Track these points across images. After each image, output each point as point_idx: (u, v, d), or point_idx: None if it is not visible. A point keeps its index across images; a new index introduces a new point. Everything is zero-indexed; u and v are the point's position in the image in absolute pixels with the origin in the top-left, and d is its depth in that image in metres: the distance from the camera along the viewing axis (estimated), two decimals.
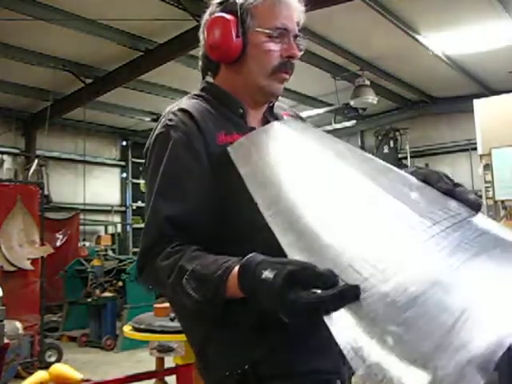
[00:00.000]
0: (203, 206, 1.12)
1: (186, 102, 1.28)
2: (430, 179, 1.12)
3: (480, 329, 0.69)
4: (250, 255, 0.93)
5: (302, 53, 1.29)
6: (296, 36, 1.26)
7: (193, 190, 1.13)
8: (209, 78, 1.38)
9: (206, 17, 1.31)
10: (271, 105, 1.35)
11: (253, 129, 1.26)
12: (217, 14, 1.25)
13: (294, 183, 1.02)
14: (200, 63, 1.36)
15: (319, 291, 0.78)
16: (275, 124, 1.22)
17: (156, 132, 1.22)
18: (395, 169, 1.17)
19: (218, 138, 1.19)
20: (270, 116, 1.34)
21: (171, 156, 1.16)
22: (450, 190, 1.09)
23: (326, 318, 0.75)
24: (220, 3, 1.27)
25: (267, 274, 0.85)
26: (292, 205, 0.96)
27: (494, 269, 0.85)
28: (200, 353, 1.20)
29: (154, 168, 1.17)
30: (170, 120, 1.21)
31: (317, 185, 1.02)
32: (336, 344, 0.94)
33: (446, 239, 0.88)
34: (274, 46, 1.22)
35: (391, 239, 0.87)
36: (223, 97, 1.29)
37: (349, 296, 0.75)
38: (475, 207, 1.06)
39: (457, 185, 1.11)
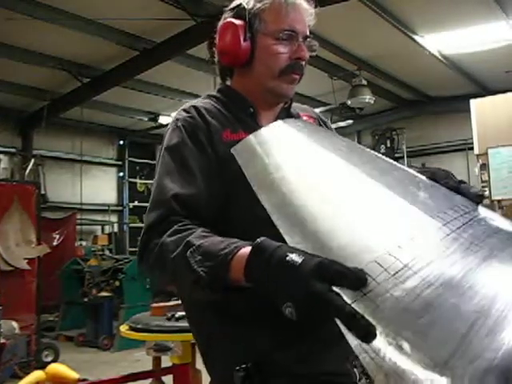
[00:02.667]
0: (209, 193, 1.15)
1: (197, 101, 1.33)
2: (437, 176, 1.14)
3: (495, 336, 0.68)
4: (264, 238, 0.87)
5: (315, 54, 1.32)
6: (306, 37, 1.28)
7: (199, 176, 1.16)
8: (228, 83, 1.41)
9: (220, 23, 1.33)
10: (286, 106, 1.38)
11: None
12: (226, 20, 1.29)
13: (300, 184, 0.99)
14: (217, 68, 1.39)
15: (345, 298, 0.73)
16: (278, 123, 1.21)
17: (168, 127, 1.28)
18: (402, 166, 1.18)
19: (222, 134, 1.23)
20: (285, 117, 1.35)
21: (179, 144, 1.20)
22: (457, 186, 1.11)
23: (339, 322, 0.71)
24: (232, 9, 1.31)
25: (294, 257, 0.79)
26: (299, 207, 0.92)
27: (505, 271, 0.84)
28: (206, 352, 1.23)
29: (163, 154, 1.21)
30: (180, 115, 1.27)
31: (323, 185, 0.99)
32: (342, 345, 0.92)
33: (457, 240, 0.86)
34: (282, 49, 1.24)
35: (402, 240, 0.83)
36: (234, 97, 1.32)
37: (361, 326, 0.69)
38: (477, 199, 1.09)
39: (461, 182, 1.15)
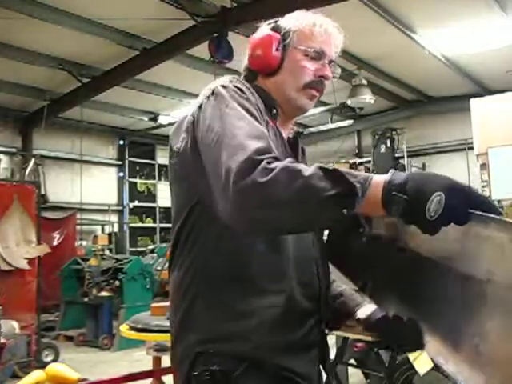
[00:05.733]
0: None
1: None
2: None
3: None
4: None
5: (336, 79, 1.42)
6: (331, 61, 1.39)
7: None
8: None
9: (254, 35, 1.41)
10: (300, 131, 1.48)
11: (280, 132, 1.35)
12: (264, 32, 1.38)
13: None
14: (242, 75, 1.44)
15: None
16: None
17: (216, 85, 1.25)
18: None
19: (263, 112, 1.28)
20: (295, 142, 1.45)
21: (246, 99, 1.21)
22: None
23: (474, 217, 0.93)
24: (269, 23, 1.41)
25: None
26: None
27: None
28: (187, 311, 1.22)
29: (230, 103, 1.18)
30: (233, 80, 1.28)
31: None
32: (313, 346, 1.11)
33: None
34: (309, 65, 1.34)
35: None
36: (262, 94, 1.34)
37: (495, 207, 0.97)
38: None
39: None
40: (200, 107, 1.22)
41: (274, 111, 1.35)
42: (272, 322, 1.17)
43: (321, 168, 1.00)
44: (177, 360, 1.24)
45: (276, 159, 1.03)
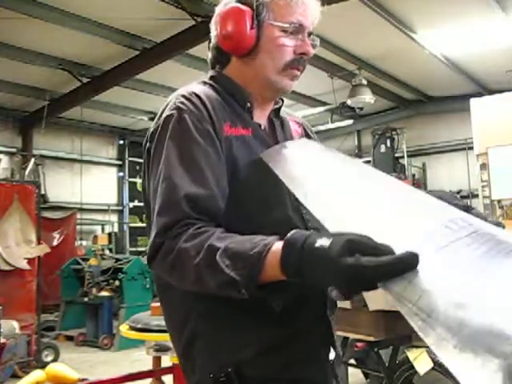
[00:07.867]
0: (220, 192, 1.09)
1: (196, 87, 1.22)
2: (444, 199, 1.07)
3: None
4: (294, 231, 0.89)
5: (316, 51, 1.28)
6: (310, 34, 1.25)
7: (211, 175, 1.09)
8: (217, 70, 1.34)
9: (220, 7, 1.26)
10: (278, 106, 1.34)
11: (258, 125, 1.26)
12: (232, 5, 1.22)
13: (322, 181, 1.09)
14: (210, 55, 1.32)
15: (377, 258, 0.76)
16: (295, 140, 1.32)
17: (166, 113, 1.16)
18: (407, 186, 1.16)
19: (223, 128, 1.16)
20: (275, 118, 1.33)
21: (187, 138, 1.11)
22: (466, 207, 1.08)
23: (381, 286, 0.75)
24: None
25: (322, 242, 0.82)
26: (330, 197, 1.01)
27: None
28: (185, 351, 1.17)
29: (168, 148, 1.11)
30: (182, 103, 1.16)
31: (342, 186, 1.07)
32: (323, 354, 1.07)
33: (468, 246, 0.83)
34: (287, 42, 1.20)
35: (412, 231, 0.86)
36: (232, 88, 1.25)
37: (409, 263, 0.74)
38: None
39: (469, 207, 1.13)
40: (151, 137, 1.18)
41: (248, 105, 1.24)
42: (279, 345, 1.11)
43: (208, 250, 0.96)
44: None
45: (185, 226, 1.01)
